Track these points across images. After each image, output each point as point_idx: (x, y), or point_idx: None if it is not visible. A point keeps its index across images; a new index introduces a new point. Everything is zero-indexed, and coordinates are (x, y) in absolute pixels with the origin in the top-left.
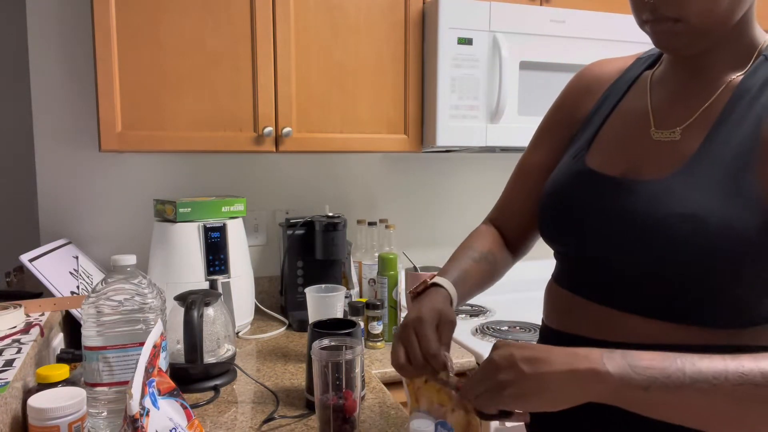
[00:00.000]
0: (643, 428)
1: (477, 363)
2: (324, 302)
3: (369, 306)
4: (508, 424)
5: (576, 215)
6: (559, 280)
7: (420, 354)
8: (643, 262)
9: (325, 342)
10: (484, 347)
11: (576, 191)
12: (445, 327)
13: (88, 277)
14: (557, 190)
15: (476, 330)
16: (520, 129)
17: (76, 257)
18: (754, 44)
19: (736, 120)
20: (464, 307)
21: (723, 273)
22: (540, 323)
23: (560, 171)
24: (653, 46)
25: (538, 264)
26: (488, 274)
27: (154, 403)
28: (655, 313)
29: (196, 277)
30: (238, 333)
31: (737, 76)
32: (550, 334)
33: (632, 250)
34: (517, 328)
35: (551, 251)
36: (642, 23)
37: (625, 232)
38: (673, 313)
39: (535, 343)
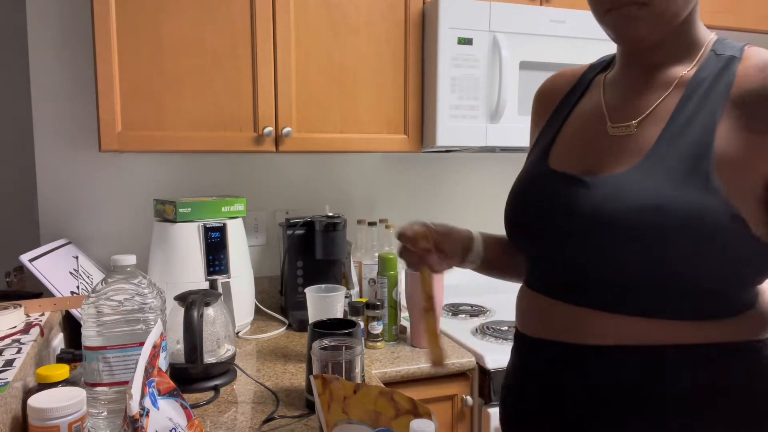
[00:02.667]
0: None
1: (477, 363)
2: (324, 302)
3: (369, 306)
4: None
5: (538, 215)
6: (529, 282)
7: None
8: (609, 257)
9: (325, 342)
10: (484, 347)
11: (537, 192)
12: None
13: (88, 277)
14: (520, 191)
15: (476, 330)
16: (520, 129)
17: (76, 257)
18: (699, 41)
19: (692, 112)
20: (464, 307)
21: (689, 262)
22: None
23: (523, 174)
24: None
25: None
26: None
27: (154, 403)
28: (626, 310)
29: (196, 277)
30: (238, 333)
31: (688, 71)
32: (521, 340)
33: (597, 247)
34: None
35: None
36: (604, 12)
37: (587, 228)
38: (646, 308)
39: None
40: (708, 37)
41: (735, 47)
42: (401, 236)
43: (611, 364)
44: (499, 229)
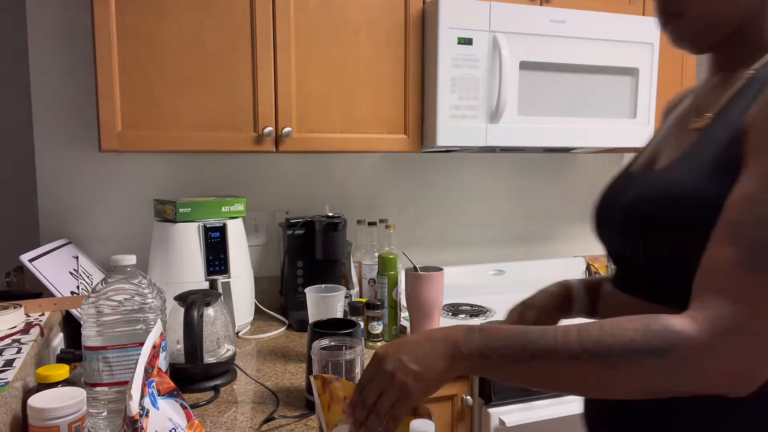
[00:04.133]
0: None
1: None
2: (324, 302)
3: (369, 306)
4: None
5: (601, 214)
6: (612, 278)
7: None
8: (644, 246)
9: (325, 342)
10: None
11: (606, 193)
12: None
13: (88, 277)
14: (600, 194)
15: None
16: (520, 129)
17: (76, 257)
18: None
19: (736, 109)
20: (464, 307)
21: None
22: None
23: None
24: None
25: (537, 264)
26: None
27: (154, 403)
28: (675, 303)
29: (196, 277)
30: (238, 333)
31: (750, 71)
32: None
33: (634, 237)
34: None
35: (547, 253)
36: (662, 29)
37: (628, 221)
38: (679, 297)
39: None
40: None
41: None
42: None
43: None
44: (498, 225)
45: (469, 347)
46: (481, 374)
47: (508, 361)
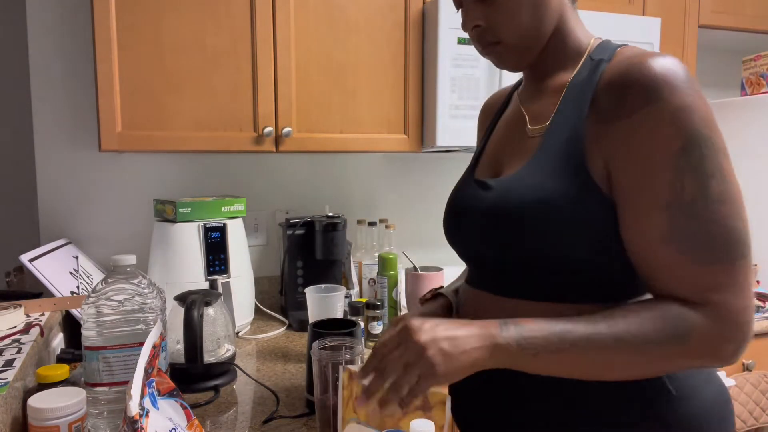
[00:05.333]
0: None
1: None
2: (324, 302)
3: (369, 306)
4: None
5: (458, 219)
6: (467, 277)
7: None
8: (505, 249)
9: (325, 342)
10: None
11: (459, 200)
12: None
13: (88, 277)
14: (449, 202)
15: None
16: None
17: (76, 257)
18: (579, 48)
19: (569, 113)
20: None
21: (575, 249)
22: None
23: (455, 186)
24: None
25: None
26: None
27: (154, 403)
28: (534, 296)
29: (196, 277)
30: (238, 333)
31: (570, 77)
32: None
33: (497, 241)
34: None
35: None
36: (480, 53)
37: (490, 225)
38: (546, 293)
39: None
40: (589, 42)
41: (608, 50)
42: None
43: None
44: None
45: (506, 338)
46: (516, 365)
47: (546, 351)
